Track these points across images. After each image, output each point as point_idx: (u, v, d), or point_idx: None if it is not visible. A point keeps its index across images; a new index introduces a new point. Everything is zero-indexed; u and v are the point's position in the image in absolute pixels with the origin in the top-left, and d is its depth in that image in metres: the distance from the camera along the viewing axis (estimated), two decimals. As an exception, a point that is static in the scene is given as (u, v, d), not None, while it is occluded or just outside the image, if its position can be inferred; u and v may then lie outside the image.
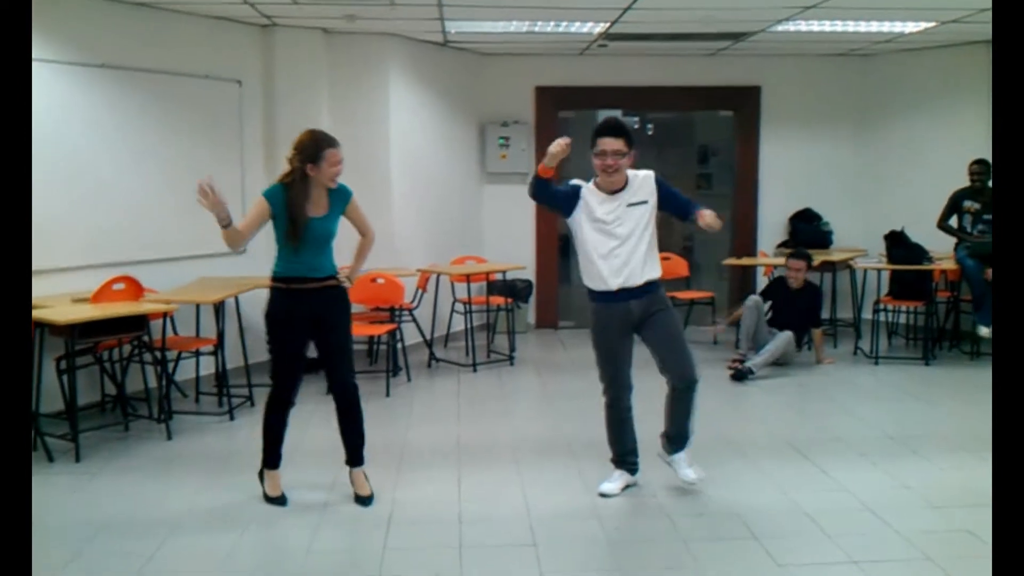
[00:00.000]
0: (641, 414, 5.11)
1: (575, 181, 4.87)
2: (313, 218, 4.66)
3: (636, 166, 4.83)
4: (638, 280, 4.78)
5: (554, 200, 4.86)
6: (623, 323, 4.86)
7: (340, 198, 4.79)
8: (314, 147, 4.63)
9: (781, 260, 9.08)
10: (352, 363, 4.92)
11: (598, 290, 4.84)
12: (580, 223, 4.81)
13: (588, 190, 4.81)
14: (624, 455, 5.11)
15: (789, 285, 8.32)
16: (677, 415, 5.02)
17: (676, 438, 5.07)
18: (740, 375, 7.64)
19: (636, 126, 13.08)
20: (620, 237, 4.75)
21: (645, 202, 4.78)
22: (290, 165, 4.66)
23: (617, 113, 11.76)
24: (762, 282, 9.56)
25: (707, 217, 4.75)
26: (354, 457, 4.94)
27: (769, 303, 8.39)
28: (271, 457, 4.90)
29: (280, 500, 4.85)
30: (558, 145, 4.54)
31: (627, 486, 5.07)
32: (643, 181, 4.81)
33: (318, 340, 4.83)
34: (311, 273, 4.71)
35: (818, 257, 9.14)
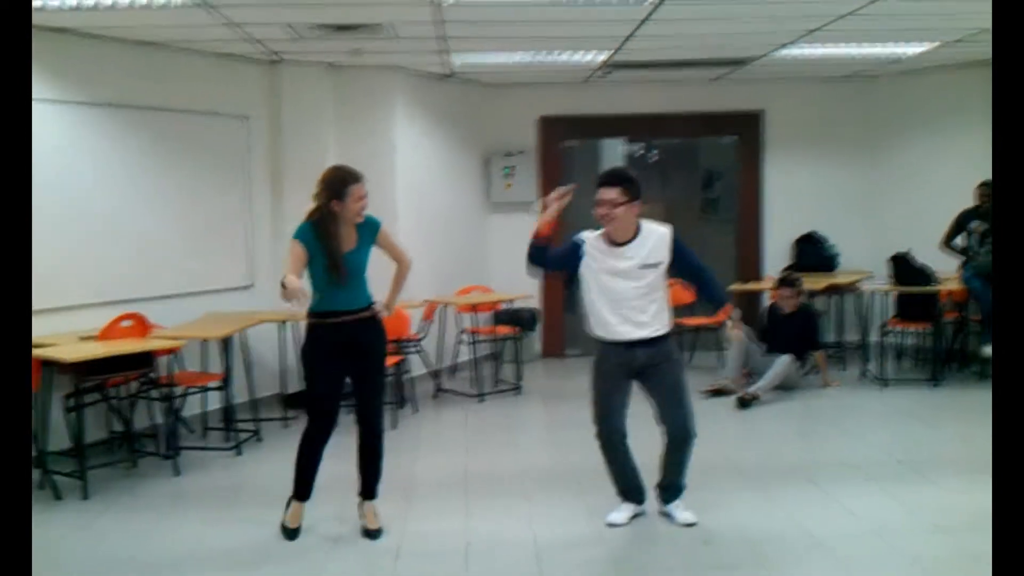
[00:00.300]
0: (646, 439, 5.08)
1: (580, 235, 4.83)
2: (346, 253, 4.70)
3: (648, 211, 4.78)
4: (647, 333, 4.73)
5: (556, 264, 4.88)
6: (625, 369, 4.81)
7: (368, 230, 4.83)
8: (339, 183, 4.67)
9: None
10: (384, 397, 5.02)
11: (605, 339, 4.82)
12: (589, 274, 4.77)
13: (592, 242, 4.76)
14: (627, 490, 5.09)
15: (781, 311, 8.32)
16: (671, 466, 5.01)
17: (670, 488, 5.06)
18: (745, 402, 7.62)
19: (640, 153, 13.12)
20: (631, 291, 4.69)
21: (659, 264, 4.71)
22: (316, 202, 4.70)
23: (620, 141, 11.87)
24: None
25: (736, 326, 4.92)
26: (369, 490, 4.96)
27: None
28: (301, 489, 4.90)
29: (293, 533, 4.85)
30: (556, 197, 4.63)
31: (635, 515, 5.06)
32: (658, 240, 4.71)
33: (354, 370, 4.86)
34: (348, 306, 4.76)
35: (824, 280, 9.14)
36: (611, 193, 4.64)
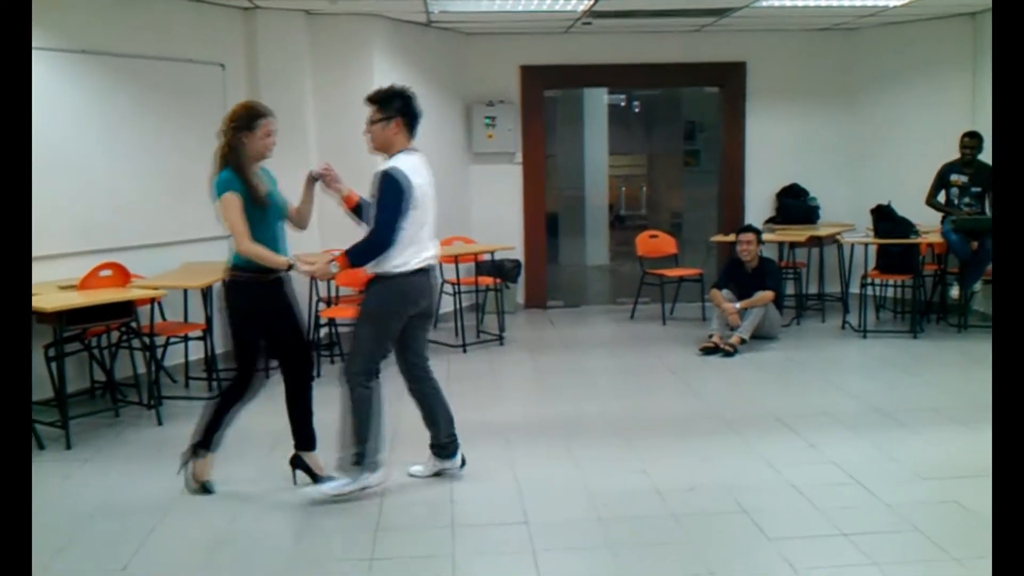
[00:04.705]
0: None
1: None
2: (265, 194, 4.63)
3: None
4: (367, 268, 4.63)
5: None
6: None
7: (271, 179, 4.80)
8: (249, 116, 4.62)
9: (770, 236, 9.11)
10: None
11: None
12: None
13: None
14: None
15: (745, 267, 8.29)
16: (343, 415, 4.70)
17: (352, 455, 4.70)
18: (729, 351, 7.68)
19: (622, 104, 13.04)
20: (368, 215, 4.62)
21: (372, 196, 4.55)
22: (222, 139, 4.65)
23: (603, 91, 11.79)
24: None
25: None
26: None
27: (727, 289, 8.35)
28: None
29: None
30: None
31: (439, 472, 4.98)
32: (380, 172, 4.53)
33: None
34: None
35: (805, 232, 9.17)
36: (369, 110, 4.62)
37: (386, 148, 4.62)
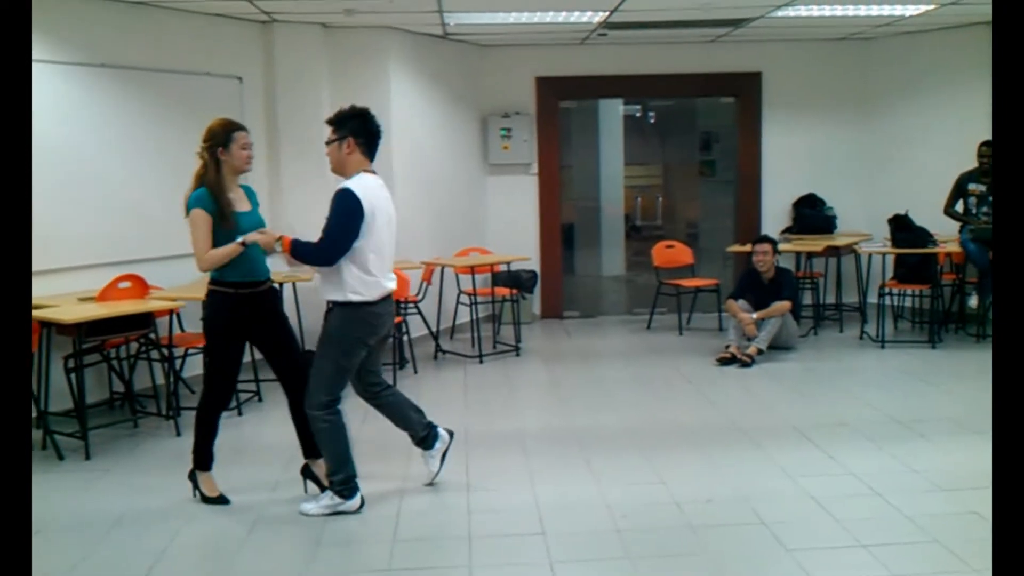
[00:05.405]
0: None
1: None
2: (241, 213, 4.68)
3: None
4: (323, 293, 4.64)
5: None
6: None
7: (253, 196, 4.85)
8: (224, 131, 4.66)
9: (786, 246, 9.09)
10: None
11: None
12: None
13: None
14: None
15: (762, 277, 8.26)
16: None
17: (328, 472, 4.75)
18: (747, 362, 7.65)
19: (638, 114, 13.06)
20: None
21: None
22: (200, 158, 4.72)
23: (618, 101, 11.81)
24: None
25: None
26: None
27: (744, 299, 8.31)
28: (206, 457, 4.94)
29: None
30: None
31: (442, 458, 5.03)
32: (337, 190, 4.49)
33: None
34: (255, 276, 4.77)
35: (822, 242, 9.14)
36: (327, 131, 4.60)
37: (340, 169, 4.59)
